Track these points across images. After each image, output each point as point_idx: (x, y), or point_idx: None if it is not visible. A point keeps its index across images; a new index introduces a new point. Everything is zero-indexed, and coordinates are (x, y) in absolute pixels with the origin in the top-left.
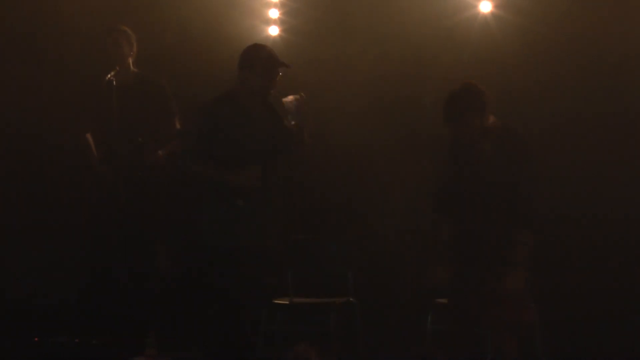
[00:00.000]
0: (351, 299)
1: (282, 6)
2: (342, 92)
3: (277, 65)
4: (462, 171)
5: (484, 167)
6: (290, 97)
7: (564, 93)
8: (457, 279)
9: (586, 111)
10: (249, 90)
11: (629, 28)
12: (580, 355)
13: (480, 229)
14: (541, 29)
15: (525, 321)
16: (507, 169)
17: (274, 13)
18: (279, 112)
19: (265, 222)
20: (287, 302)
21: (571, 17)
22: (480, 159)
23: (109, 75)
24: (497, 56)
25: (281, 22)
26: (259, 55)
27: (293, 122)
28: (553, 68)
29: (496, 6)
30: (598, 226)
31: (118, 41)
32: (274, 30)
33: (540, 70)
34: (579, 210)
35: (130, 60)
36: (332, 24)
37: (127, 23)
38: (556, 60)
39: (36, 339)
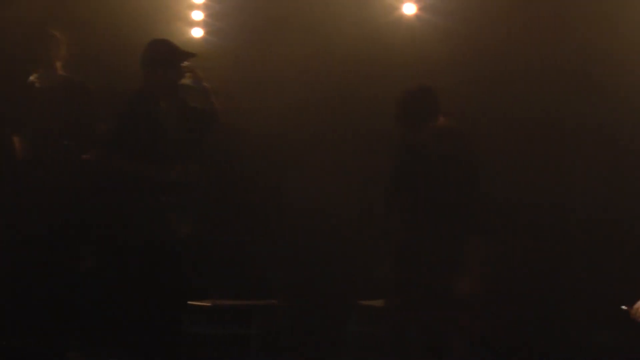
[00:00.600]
0: (275, 301)
1: (205, 8)
2: (267, 93)
3: (179, 56)
4: (412, 172)
5: (434, 169)
6: (186, 77)
7: (489, 94)
8: (403, 281)
9: (511, 111)
10: (154, 86)
11: (553, 30)
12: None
13: (430, 230)
14: (465, 31)
15: (475, 326)
16: (457, 171)
17: (197, 15)
18: (192, 100)
19: (190, 219)
20: (209, 304)
21: (496, 19)
22: (431, 160)
23: (31, 78)
24: (422, 58)
25: (205, 24)
26: (157, 50)
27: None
28: (478, 69)
29: (420, 9)
30: (543, 227)
31: (46, 44)
32: (197, 33)
33: (466, 72)
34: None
35: (59, 64)
36: (257, 26)
37: (56, 26)
38: (481, 61)
39: None
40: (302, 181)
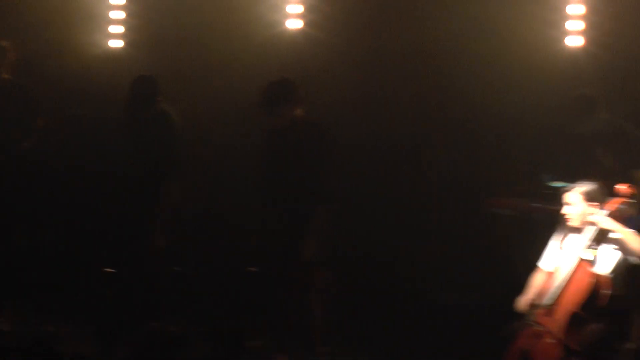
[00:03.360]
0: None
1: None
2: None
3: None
4: (275, 155)
5: (291, 153)
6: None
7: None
8: (269, 249)
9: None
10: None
11: (428, 39)
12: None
13: (289, 205)
14: (345, 43)
15: (323, 284)
16: (310, 155)
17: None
18: None
19: None
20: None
21: (371, 31)
22: (289, 145)
23: None
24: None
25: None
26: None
27: None
28: (360, 78)
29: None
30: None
31: None
32: (116, 44)
33: (349, 82)
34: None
35: (4, 69)
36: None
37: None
38: (363, 71)
39: None
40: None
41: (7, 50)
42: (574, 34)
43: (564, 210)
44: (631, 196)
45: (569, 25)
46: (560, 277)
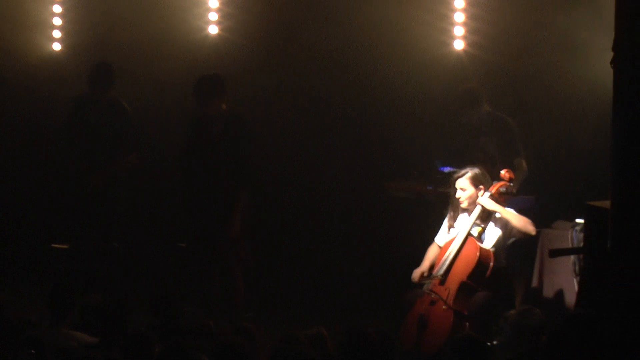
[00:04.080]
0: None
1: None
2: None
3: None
4: (201, 142)
5: (217, 140)
6: None
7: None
8: (194, 227)
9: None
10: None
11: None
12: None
13: (211, 187)
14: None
15: (242, 256)
16: (233, 143)
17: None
18: None
19: None
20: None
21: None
22: (215, 133)
23: None
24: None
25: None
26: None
27: None
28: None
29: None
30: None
31: None
32: (57, 47)
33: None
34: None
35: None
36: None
37: None
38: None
39: None
40: None
41: None
42: (459, 38)
43: (456, 193)
44: (510, 180)
45: (455, 30)
46: (451, 251)
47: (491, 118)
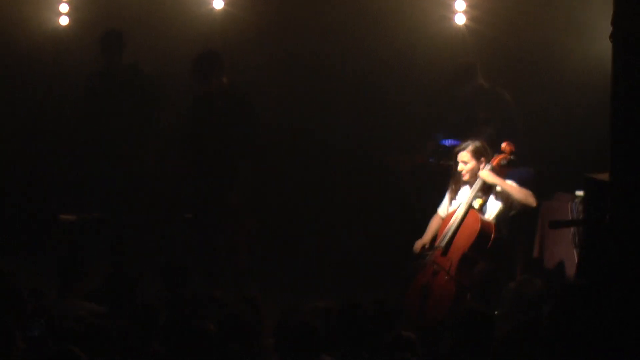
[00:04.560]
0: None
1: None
2: None
3: None
4: (202, 120)
5: (218, 115)
6: None
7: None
8: (199, 198)
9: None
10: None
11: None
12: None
13: (215, 161)
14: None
15: (247, 227)
16: (234, 117)
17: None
18: None
19: None
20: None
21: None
22: (215, 111)
23: None
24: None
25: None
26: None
27: None
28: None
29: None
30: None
31: None
32: (64, 21)
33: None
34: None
35: None
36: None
37: None
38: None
39: None
40: None
41: None
42: (460, 13)
43: (458, 166)
44: (510, 153)
45: (457, 5)
46: (453, 223)
47: (488, 92)
